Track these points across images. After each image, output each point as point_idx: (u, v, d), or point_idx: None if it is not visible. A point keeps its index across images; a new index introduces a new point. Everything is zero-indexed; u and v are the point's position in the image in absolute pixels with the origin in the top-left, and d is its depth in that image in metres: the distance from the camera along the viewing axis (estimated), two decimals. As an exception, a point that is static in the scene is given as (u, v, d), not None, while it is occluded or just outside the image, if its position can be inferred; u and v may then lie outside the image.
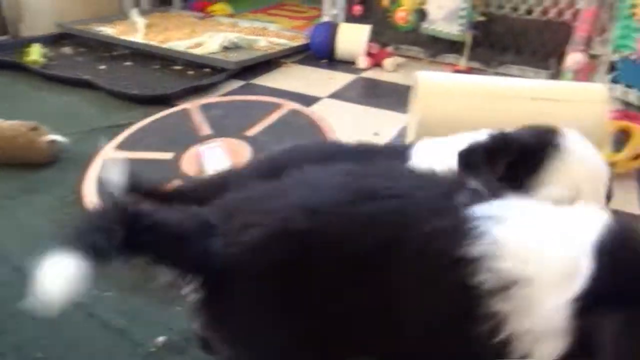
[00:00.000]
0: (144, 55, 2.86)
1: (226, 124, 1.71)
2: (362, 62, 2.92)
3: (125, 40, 2.95)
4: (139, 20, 3.30)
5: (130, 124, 2.02)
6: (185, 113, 1.78)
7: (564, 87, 1.72)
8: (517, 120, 1.65)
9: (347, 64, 2.97)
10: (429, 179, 0.78)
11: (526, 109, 1.60)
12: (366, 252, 0.70)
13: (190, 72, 2.66)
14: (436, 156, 0.96)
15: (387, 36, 3.16)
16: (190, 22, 3.51)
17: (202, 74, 2.62)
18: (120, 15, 3.51)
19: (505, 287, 0.63)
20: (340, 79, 2.77)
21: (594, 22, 2.49)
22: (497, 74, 2.88)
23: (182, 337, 1.10)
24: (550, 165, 0.87)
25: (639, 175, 1.23)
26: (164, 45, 2.85)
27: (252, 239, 0.70)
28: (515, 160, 0.87)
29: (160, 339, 1.11)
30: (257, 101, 1.86)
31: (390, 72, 2.89)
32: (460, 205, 0.69)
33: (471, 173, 0.81)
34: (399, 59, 3.02)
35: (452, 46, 3.00)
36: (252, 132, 1.65)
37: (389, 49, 3.09)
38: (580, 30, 2.47)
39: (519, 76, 2.84)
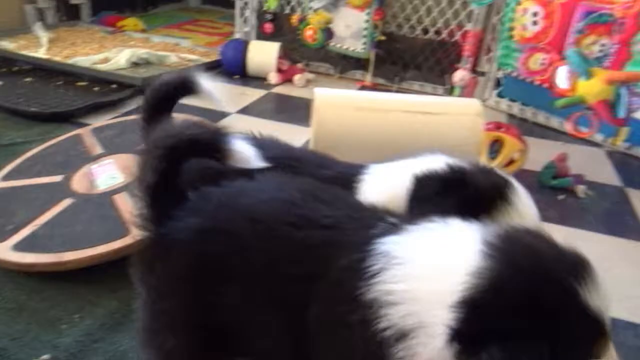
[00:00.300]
0: (46, 71, 2.77)
1: (119, 143, 1.71)
2: (273, 78, 3.00)
3: (25, 56, 2.85)
4: (42, 34, 3.19)
5: (27, 142, 1.96)
6: (76, 138, 1.77)
7: (443, 102, 1.89)
8: (401, 131, 1.81)
9: (259, 80, 3.05)
10: (361, 209, 0.77)
11: (409, 121, 1.75)
12: (289, 279, 0.69)
13: (96, 89, 2.61)
14: (389, 180, 0.97)
15: (298, 53, 3.28)
16: (99, 37, 3.44)
17: (108, 90, 2.58)
18: (23, 29, 3.37)
19: (401, 334, 0.59)
20: (252, 94, 2.84)
21: (478, 43, 2.75)
22: (399, 89, 3.08)
23: (68, 353, 1.10)
24: (496, 212, 0.88)
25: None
26: (68, 61, 2.77)
27: (186, 226, 0.75)
28: (466, 199, 0.85)
29: (45, 357, 1.10)
30: None
31: (300, 88, 3.00)
32: (373, 238, 0.67)
33: (423, 200, 0.86)
34: (310, 75, 3.14)
35: (358, 63, 3.17)
36: None
37: (300, 65, 3.20)
38: (466, 51, 2.71)
39: (419, 91, 3.05)
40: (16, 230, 1.33)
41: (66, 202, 1.42)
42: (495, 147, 1.95)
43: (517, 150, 1.89)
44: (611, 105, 1.73)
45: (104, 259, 1.26)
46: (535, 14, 2.43)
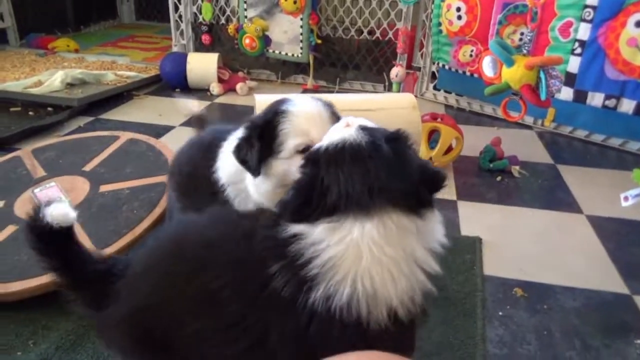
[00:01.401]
0: (-25, 99, 2.65)
1: (61, 164, 1.67)
2: (216, 88, 3.01)
3: (-50, 85, 2.72)
4: (-33, 62, 3.06)
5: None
6: (16, 160, 1.71)
7: (381, 99, 1.96)
8: None
9: (201, 92, 3.04)
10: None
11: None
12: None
13: (31, 113, 2.53)
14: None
15: (239, 62, 3.30)
16: (30, 61, 3.33)
17: (44, 114, 2.51)
18: (-55, 58, 3.22)
19: None
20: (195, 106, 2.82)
21: (410, 40, 2.86)
22: (341, 89, 3.16)
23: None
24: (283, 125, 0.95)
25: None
26: (-2, 87, 2.68)
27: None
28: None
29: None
30: (92, 137, 1.84)
31: (243, 96, 3.02)
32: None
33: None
34: (252, 83, 3.16)
35: (298, 67, 3.23)
36: (90, 166, 1.64)
37: (241, 74, 3.22)
38: (399, 48, 2.82)
39: (360, 90, 3.14)
40: (-43, 262, 1.28)
41: (10, 229, 1.38)
42: (434, 136, 2.04)
43: (454, 138, 1.99)
44: (535, 88, 1.85)
45: (51, 288, 1.22)
46: (458, 9, 2.56)
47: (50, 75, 2.84)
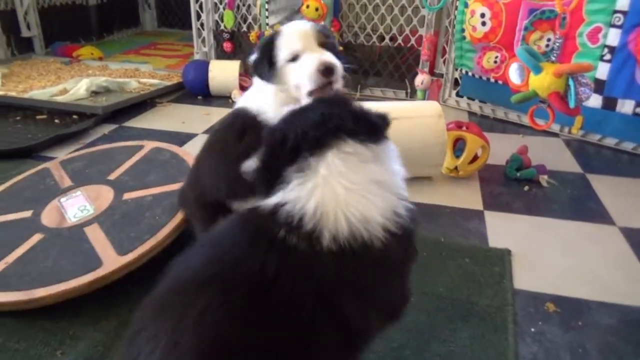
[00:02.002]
0: (3, 107, 2.71)
1: (88, 173, 1.69)
2: (237, 95, 3.01)
3: (-22, 93, 2.78)
4: (-5, 70, 3.13)
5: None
6: (45, 171, 1.74)
7: (406, 106, 1.94)
8: None
9: (223, 99, 3.05)
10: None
11: None
12: None
13: (57, 121, 2.57)
14: None
15: (259, 69, 3.30)
16: (56, 69, 3.39)
17: (69, 122, 2.55)
18: (-25, 66, 3.29)
19: None
20: (216, 114, 2.83)
21: (434, 47, 2.83)
22: (362, 96, 3.14)
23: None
24: None
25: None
26: (25, 95, 2.72)
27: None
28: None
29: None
30: (118, 147, 1.86)
31: (264, 103, 3.01)
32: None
33: None
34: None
35: (319, 74, 3.21)
36: (115, 175, 1.66)
37: (262, 81, 3.22)
38: (423, 55, 2.79)
39: (382, 97, 3.12)
40: (-15, 270, 1.29)
41: (36, 238, 1.40)
42: (459, 145, 2.01)
43: (480, 147, 1.96)
44: (564, 96, 1.81)
45: (77, 294, 1.23)
46: (483, 15, 2.52)
47: (76, 84, 2.89)
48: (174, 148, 1.84)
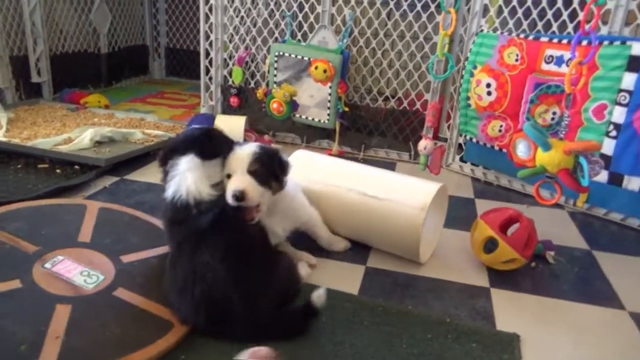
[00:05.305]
0: (5, 154, 2.69)
1: (47, 235, 1.63)
2: (241, 150, 3.01)
3: (-20, 139, 2.76)
4: (1, 115, 3.13)
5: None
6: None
7: (397, 185, 1.85)
8: (354, 210, 1.88)
9: (226, 153, 3.04)
10: None
11: (362, 202, 1.84)
12: None
13: (58, 170, 2.55)
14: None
15: (264, 124, 3.33)
16: (61, 116, 3.40)
17: (71, 172, 2.52)
18: (-20, 110, 3.29)
19: None
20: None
21: (438, 114, 2.86)
22: (366, 156, 3.14)
23: None
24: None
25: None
26: (28, 143, 2.71)
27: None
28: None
29: None
30: (53, 205, 1.89)
31: (268, 160, 3.01)
32: None
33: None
34: (277, 146, 3.16)
35: (324, 132, 3.24)
36: (85, 237, 1.63)
37: (267, 136, 3.24)
38: (427, 122, 2.82)
39: (385, 158, 3.12)
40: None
41: (64, 310, 1.28)
42: (489, 245, 1.84)
43: (509, 259, 1.81)
44: (572, 173, 1.79)
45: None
46: (488, 85, 2.56)
47: (80, 133, 2.88)
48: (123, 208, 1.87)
